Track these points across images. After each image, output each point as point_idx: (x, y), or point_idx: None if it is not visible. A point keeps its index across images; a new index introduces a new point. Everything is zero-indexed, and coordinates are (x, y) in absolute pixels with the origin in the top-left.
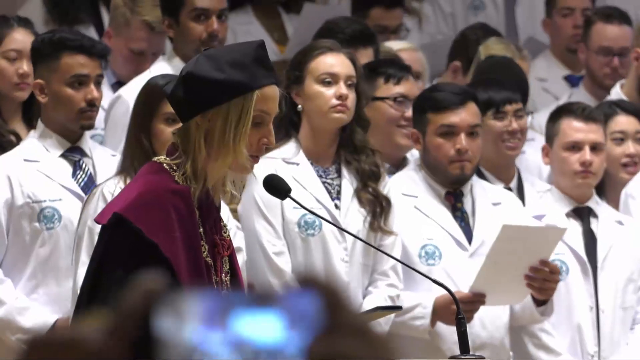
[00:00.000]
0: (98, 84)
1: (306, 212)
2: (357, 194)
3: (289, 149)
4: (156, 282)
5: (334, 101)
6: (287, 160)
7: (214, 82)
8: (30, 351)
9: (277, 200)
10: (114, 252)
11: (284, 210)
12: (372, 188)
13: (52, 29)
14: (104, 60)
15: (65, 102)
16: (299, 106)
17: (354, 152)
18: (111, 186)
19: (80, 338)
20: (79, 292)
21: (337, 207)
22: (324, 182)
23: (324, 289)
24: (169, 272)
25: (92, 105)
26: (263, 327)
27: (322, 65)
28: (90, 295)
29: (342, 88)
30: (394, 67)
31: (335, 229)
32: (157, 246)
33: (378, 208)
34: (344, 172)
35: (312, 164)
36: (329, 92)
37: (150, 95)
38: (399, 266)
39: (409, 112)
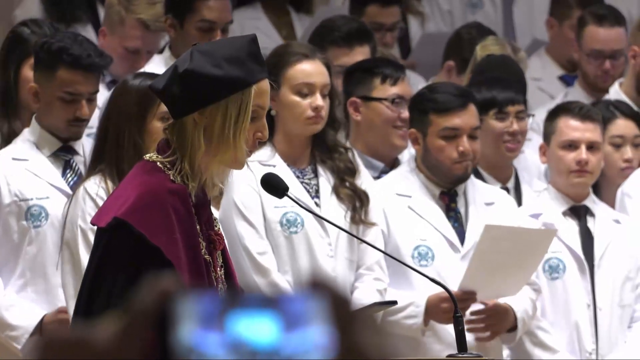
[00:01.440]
0: (90, 100)
1: (288, 210)
2: (335, 190)
3: (265, 152)
4: (170, 282)
5: (310, 112)
6: (264, 162)
7: (213, 79)
8: (42, 351)
9: (256, 201)
10: (114, 256)
11: (265, 210)
12: (350, 183)
13: (53, 33)
14: (103, 76)
15: (55, 113)
16: (273, 111)
17: (327, 152)
18: (93, 187)
19: (92, 338)
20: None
21: (317, 205)
22: (301, 182)
23: (329, 292)
24: (171, 275)
25: (81, 120)
26: (260, 328)
27: (299, 74)
28: (89, 300)
29: (318, 99)
30: (390, 67)
31: (318, 225)
32: (159, 250)
33: (357, 202)
34: (320, 171)
35: (288, 165)
36: (305, 102)
37: (144, 95)
38: (383, 260)
39: (405, 113)
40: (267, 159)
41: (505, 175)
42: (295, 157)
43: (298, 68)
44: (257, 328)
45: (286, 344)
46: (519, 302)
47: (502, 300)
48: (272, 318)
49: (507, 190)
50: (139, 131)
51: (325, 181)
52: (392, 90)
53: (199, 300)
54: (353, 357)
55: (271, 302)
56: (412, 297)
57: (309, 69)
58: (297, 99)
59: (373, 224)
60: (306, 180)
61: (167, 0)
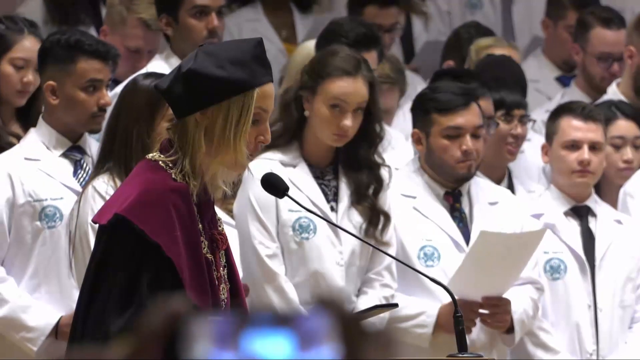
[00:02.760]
0: (107, 88)
1: (301, 215)
2: (355, 200)
3: (289, 152)
4: (179, 304)
5: (337, 130)
6: (285, 162)
7: (215, 80)
8: None
9: (272, 202)
10: (115, 253)
11: (280, 212)
12: (370, 199)
13: (63, 30)
14: (115, 65)
15: (79, 106)
16: (306, 112)
17: (355, 165)
18: (102, 185)
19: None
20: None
21: (333, 209)
22: (320, 184)
23: (338, 313)
24: (171, 273)
25: (104, 110)
26: (275, 347)
27: (335, 89)
28: (90, 297)
29: (347, 119)
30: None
31: (330, 233)
32: (159, 247)
33: (375, 219)
34: (341, 174)
35: (309, 165)
36: (335, 118)
37: (154, 96)
38: (394, 266)
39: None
40: (290, 161)
41: (499, 175)
42: (319, 157)
43: (336, 84)
44: (271, 347)
45: None
46: (517, 303)
47: None
48: (286, 337)
49: None
50: (148, 131)
51: (345, 185)
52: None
53: (213, 319)
54: None
55: (286, 320)
56: (424, 307)
57: (346, 88)
58: (328, 113)
59: (385, 244)
60: (325, 182)
61: (156, 1)
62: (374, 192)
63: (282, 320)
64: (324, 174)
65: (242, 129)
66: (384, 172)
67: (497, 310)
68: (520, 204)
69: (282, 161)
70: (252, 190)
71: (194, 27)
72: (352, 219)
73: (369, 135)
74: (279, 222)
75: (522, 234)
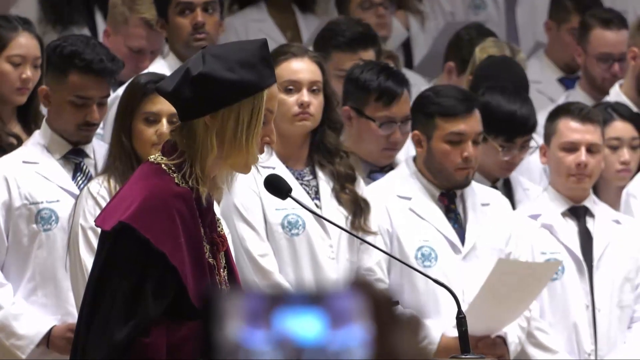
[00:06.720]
0: (101, 104)
1: (289, 212)
2: (336, 194)
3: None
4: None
5: (296, 109)
6: (262, 164)
7: (227, 83)
8: None
9: (257, 204)
10: (119, 260)
11: (266, 212)
12: (350, 190)
13: (66, 36)
14: (114, 80)
15: (65, 116)
16: None
17: (328, 155)
18: (96, 186)
19: None
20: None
21: (318, 206)
22: (301, 184)
23: (371, 294)
24: (175, 280)
25: (91, 125)
26: (305, 325)
27: (285, 72)
28: (93, 303)
29: (304, 95)
30: (390, 81)
31: (319, 227)
32: (164, 255)
33: (357, 209)
34: (319, 173)
35: (287, 167)
36: (291, 99)
37: (130, 95)
38: (384, 262)
39: (396, 134)
40: (264, 161)
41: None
42: (291, 157)
43: (284, 66)
44: (303, 325)
45: (332, 341)
46: (511, 334)
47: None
48: (318, 315)
49: (496, 188)
50: (125, 129)
51: (325, 183)
52: (384, 112)
53: (245, 298)
54: (389, 357)
55: (317, 299)
56: (426, 330)
57: (295, 67)
58: (284, 96)
59: (373, 233)
60: (305, 182)
61: (154, 3)
62: (351, 180)
63: (313, 299)
64: (302, 175)
65: (253, 130)
66: (352, 159)
67: (494, 351)
68: (510, 205)
69: (259, 163)
70: (235, 195)
71: (180, 24)
72: (336, 214)
73: (332, 121)
74: (266, 223)
75: (536, 263)
